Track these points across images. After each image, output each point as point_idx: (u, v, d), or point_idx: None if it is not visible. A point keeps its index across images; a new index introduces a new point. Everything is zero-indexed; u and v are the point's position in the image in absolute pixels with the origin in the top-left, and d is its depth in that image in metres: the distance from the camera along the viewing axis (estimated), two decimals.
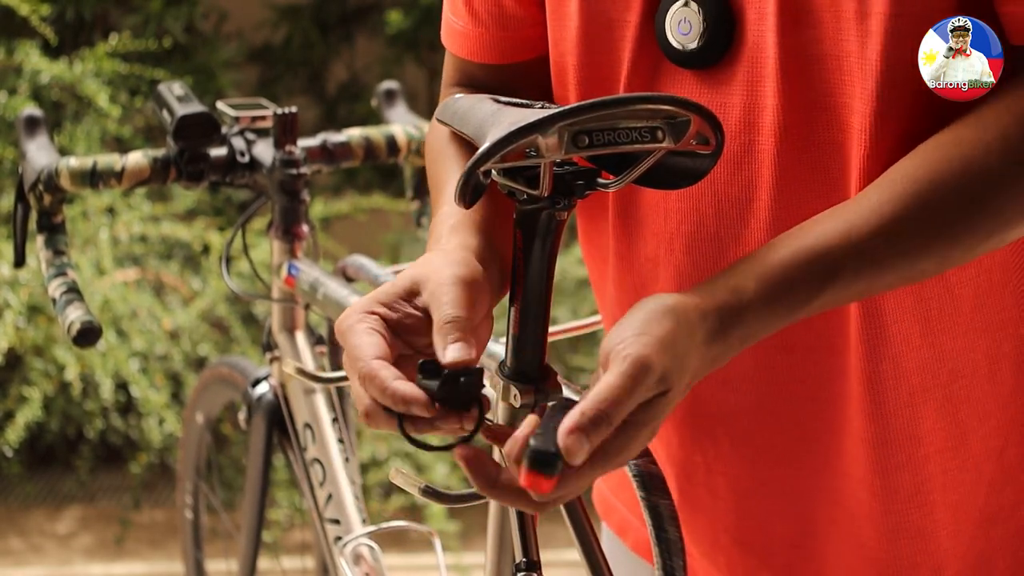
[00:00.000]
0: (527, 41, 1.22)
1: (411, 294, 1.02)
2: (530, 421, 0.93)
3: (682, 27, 1.09)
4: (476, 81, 1.26)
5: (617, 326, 0.94)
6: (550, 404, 0.95)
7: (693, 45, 1.09)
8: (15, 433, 3.07)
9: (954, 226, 1.00)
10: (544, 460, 0.89)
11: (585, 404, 0.90)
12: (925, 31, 1.01)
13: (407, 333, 1.02)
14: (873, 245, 0.99)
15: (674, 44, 1.10)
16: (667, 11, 1.10)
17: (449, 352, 0.97)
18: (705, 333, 0.95)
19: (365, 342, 0.98)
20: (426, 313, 1.01)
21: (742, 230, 1.11)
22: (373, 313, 1.00)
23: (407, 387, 0.96)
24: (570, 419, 0.90)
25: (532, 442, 0.90)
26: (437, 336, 0.98)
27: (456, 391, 0.97)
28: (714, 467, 1.20)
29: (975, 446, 1.14)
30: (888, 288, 1.02)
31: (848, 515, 1.17)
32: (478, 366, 0.99)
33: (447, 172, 1.18)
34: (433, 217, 1.15)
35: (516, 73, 1.24)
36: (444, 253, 1.05)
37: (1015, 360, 1.12)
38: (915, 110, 1.03)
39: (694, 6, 1.08)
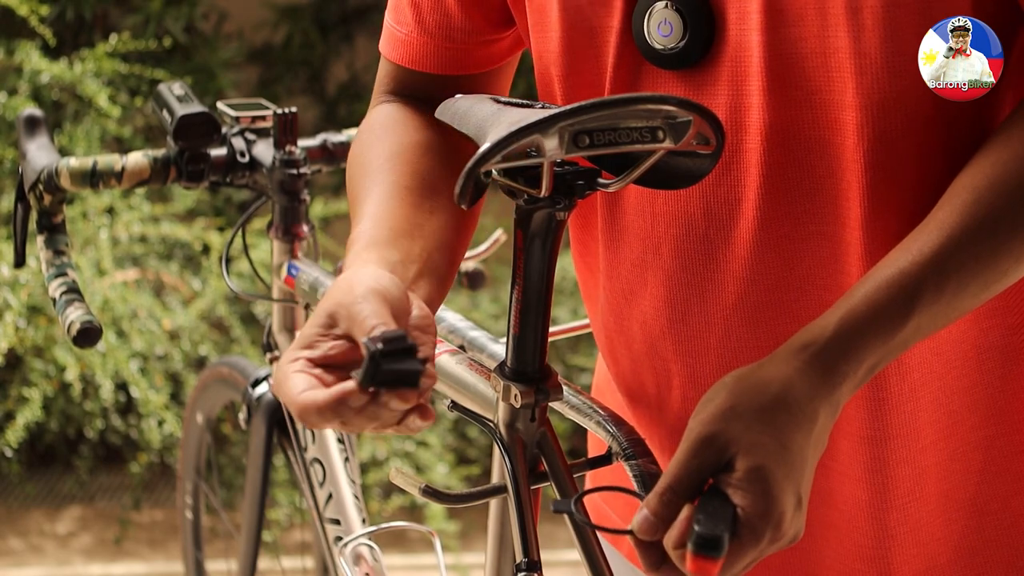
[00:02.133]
0: (470, 56, 1.23)
1: (329, 327, 1.00)
2: (687, 508, 0.95)
3: (662, 28, 1.09)
4: (412, 91, 1.25)
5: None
6: (707, 490, 0.96)
7: (674, 45, 1.09)
8: (15, 434, 3.07)
9: (1018, 223, 1.01)
10: (710, 543, 0.91)
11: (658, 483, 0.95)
12: (927, 20, 1.01)
13: (338, 366, 1.00)
14: (947, 257, 1.00)
15: (655, 45, 1.10)
16: (645, 13, 1.10)
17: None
18: (788, 386, 0.96)
19: (291, 385, 0.97)
20: (349, 339, 1.00)
21: (731, 231, 1.11)
22: (297, 359, 0.99)
23: (328, 392, 0.95)
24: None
25: (696, 527, 0.91)
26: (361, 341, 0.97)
27: (387, 367, 0.94)
28: None
29: (965, 435, 1.14)
30: (977, 297, 1.02)
31: (844, 517, 1.17)
32: (410, 342, 0.96)
33: (367, 190, 1.16)
34: (352, 232, 1.13)
35: (454, 87, 1.23)
36: (350, 274, 1.03)
37: (1002, 349, 1.13)
38: (927, 100, 1.04)
39: (673, 6, 1.08)
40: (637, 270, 1.16)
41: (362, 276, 1.02)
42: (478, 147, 1.08)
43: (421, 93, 1.24)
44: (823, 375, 0.97)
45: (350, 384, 0.95)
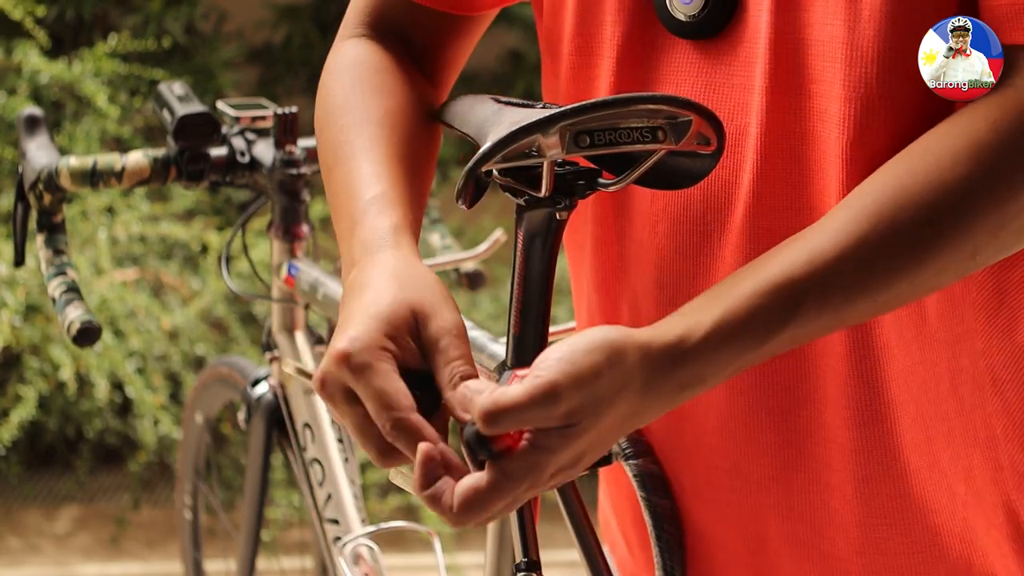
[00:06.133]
0: None
1: (411, 328, 0.96)
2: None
3: None
4: (391, 25, 1.20)
5: (555, 345, 0.91)
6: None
7: (694, 14, 1.07)
8: (9, 432, 3.07)
9: (920, 244, 0.95)
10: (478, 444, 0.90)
11: (482, 399, 0.89)
12: (925, 20, 1.00)
13: (404, 363, 0.96)
14: (838, 270, 0.94)
15: (674, 14, 1.08)
16: None
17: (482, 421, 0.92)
18: (644, 378, 0.91)
19: (395, 388, 0.92)
20: (422, 349, 0.96)
21: (728, 215, 1.09)
22: (386, 350, 0.94)
23: (453, 453, 0.92)
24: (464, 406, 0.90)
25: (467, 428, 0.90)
26: (451, 393, 0.93)
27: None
28: (679, 467, 1.18)
29: (947, 466, 1.11)
30: (864, 316, 0.98)
31: (812, 530, 1.13)
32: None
33: (364, 147, 1.09)
34: (351, 190, 1.07)
35: (435, 27, 1.19)
36: (423, 276, 0.99)
37: (971, 374, 1.10)
38: (912, 99, 1.02)
39: None
40: (634, 247, 1.14)
41: (441, 291, 0.98)
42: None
43: (402, 29, 1.20)
44: (684, 377, 0.92)
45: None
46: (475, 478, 0.90)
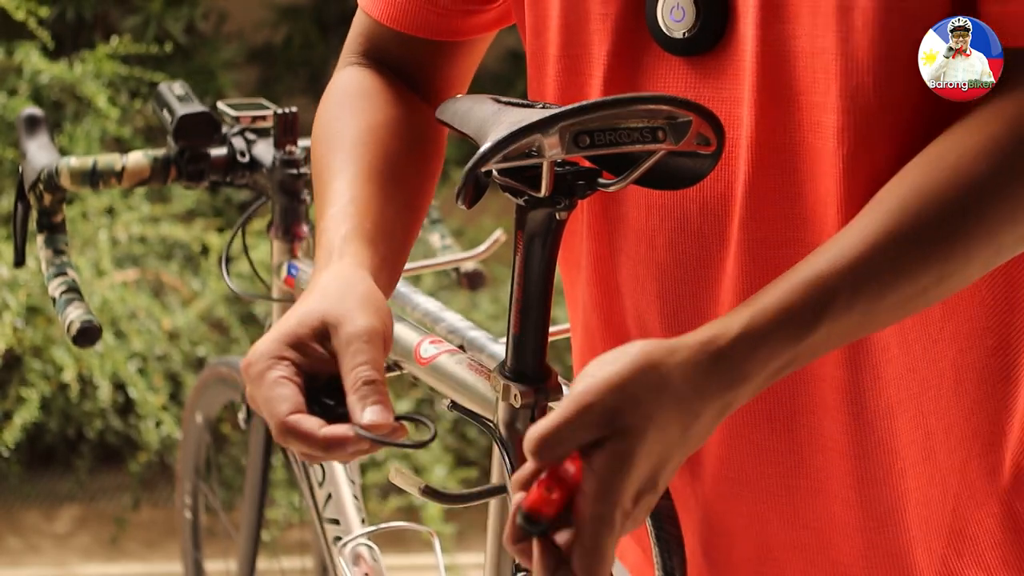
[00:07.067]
0: (448, 23, 1.21)
1: (321, 336, 1.00)
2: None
3: (675, 13, 1.08)
4: (384, 54, 1.23)
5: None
6: None
7: (684, 32, 1.08)
8: (12, 434, 3.07)
9: (946, 237, 0.96)
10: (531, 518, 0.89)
11: (526, 438, 0.89)
12: (919, 26, 1.00)
13: (313, 370, 1.00)
14: (867, 264, 0.95)
15: (667, 31, 1.08)
16: None
17: (368, 415, 0.96)
18: (681, 377, 0.91)
19: (278, 394, 0.97)
20: (334, 356, 0.99)
21: (725, 226, 1.09)
22: (284, 358, 0.98)
23: (334, 429, 0.96)
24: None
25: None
26: (353, 396, 0.96)
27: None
28: (687, 478, 1.18)
29: (942, 459, 1.11)
30: (892, 313, 0.98)
31: (817, 536, 1.14)
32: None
33: (340, 167, 1.13)
34: (321, 212, 1.11)
35: (426, 53, 1.22)
36: (350, 284, 1.02)
37: (979, 371, 1.10)
38: (912, 105, 1.02)
39: None
40: (630, 263, 1.15)
41: (361, 294, 1.01)
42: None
43: (393, 57, 1.22)
44: (722, 375, 0.92)
45: (346, 431, 0.96)
46: (566, 534, 0.89)
